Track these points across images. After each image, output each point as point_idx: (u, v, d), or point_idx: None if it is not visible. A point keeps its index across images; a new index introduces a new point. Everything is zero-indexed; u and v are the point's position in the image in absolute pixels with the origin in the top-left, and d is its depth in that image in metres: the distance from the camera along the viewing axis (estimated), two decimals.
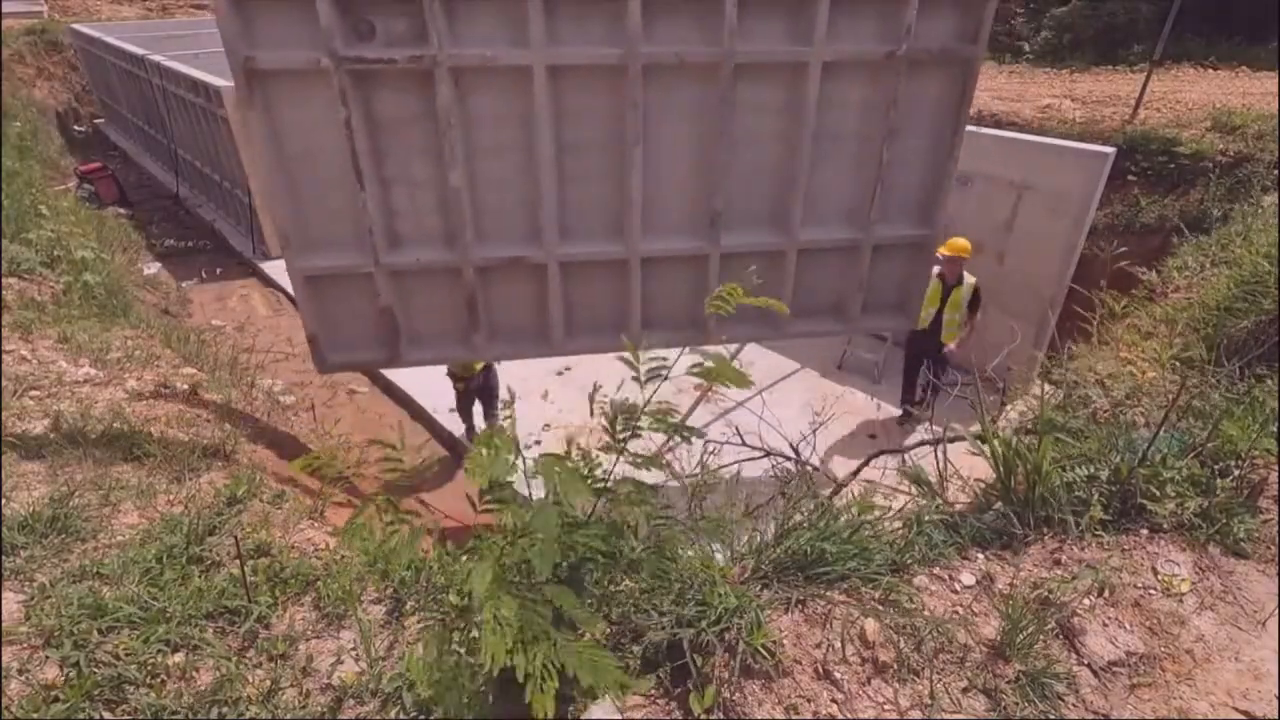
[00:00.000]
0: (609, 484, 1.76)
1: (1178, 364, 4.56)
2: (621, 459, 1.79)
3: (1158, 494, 2.79)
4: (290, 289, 9.89)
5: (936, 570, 2.63)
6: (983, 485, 3.29)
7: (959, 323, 6.53)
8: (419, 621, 2.71)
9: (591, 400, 1.95)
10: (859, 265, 5.59)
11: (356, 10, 4.16)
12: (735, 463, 3.82)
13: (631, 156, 4.83)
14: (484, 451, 1.56)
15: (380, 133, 4.53)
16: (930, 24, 4.70)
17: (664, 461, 1.77)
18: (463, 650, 1.59)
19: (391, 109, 4.49)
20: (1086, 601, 2.48)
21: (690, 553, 2.42)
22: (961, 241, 6.29)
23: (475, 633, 1.44)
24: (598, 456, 1.78)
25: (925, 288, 6.02)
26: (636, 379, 1.80)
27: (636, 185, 4.96)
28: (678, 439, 1.83)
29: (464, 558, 2.34)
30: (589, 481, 1.65)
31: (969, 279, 6.46)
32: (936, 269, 6.24)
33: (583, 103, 4.67)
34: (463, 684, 1.56)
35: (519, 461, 1.63)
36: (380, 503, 1.53)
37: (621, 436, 1.76)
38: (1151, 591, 2.55)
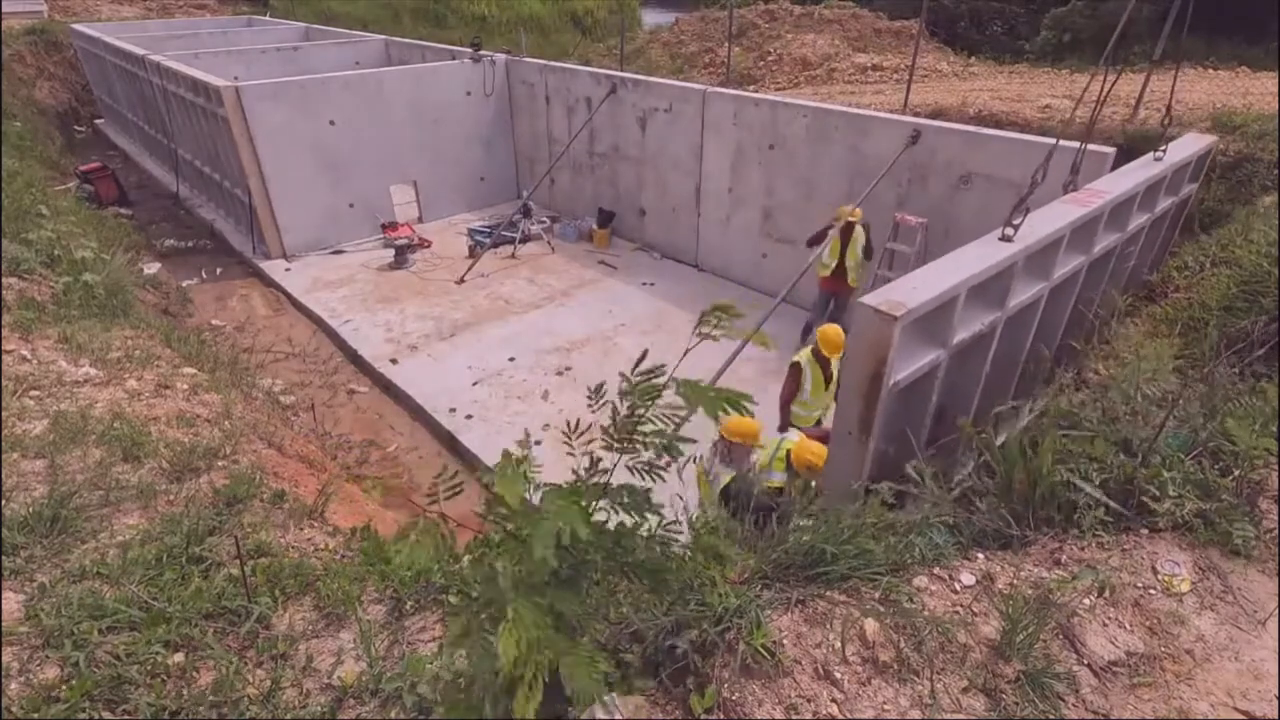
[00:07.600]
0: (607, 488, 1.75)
1: (1178, 364, 4.56)
2: (622, 461, 1.78)
3: (1158, 494, 2.78)
4: (290, 289, 9.93)
5: (936, 570, 2.62)
6: (982, 485, 3.29)
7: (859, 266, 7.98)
8: (419, 621, 2.70)
9: (593, 394, 1.93)
10: None
11: None
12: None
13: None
14: (509, 471, 1.63)
15: None
16: (1187, 177, 6.83)
17: (664, 466, 1.77)
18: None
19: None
20: (1086, 601, 2.48)
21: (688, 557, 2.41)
22: (850, 208, 7.71)
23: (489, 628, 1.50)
24: (600, 460, 1.77)
25: None
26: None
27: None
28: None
29: (471, 558, 2.36)
30: (585, 505, 1.67)
31: (860, 232, 7.87)
32: (833, 230, 7.73)
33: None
34: (474, 685, 1.57)
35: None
36: (431, 526, 1.60)
37: (622, 441, 1.75)
38: (1151, 591, 2.55)
